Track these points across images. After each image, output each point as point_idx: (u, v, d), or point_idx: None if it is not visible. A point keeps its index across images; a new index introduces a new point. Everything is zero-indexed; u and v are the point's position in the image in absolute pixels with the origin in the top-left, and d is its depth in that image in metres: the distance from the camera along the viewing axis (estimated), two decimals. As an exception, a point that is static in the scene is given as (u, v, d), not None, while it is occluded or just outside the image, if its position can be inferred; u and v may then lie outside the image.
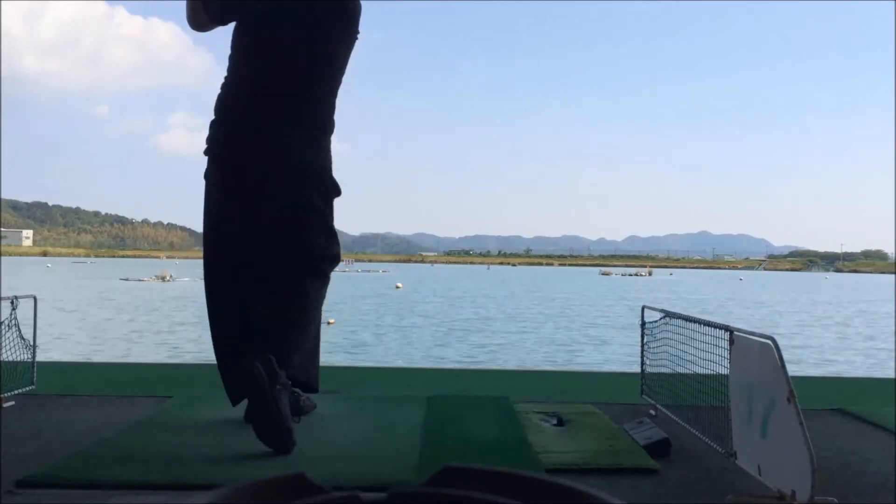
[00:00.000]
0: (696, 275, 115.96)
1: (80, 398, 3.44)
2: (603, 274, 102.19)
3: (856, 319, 26.91)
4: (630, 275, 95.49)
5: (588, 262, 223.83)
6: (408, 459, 2.49)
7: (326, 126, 2.98)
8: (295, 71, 2.88)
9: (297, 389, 3.09)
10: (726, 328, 2.50)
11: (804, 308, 33.47)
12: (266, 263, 2.89)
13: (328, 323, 19.78)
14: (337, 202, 3.07)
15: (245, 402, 2.72)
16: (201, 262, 2.98)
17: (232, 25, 2.96)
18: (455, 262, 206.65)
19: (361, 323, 21.38)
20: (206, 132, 2.91)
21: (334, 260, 3.10)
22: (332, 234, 3.06)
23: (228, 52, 2.96)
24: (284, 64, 2.88)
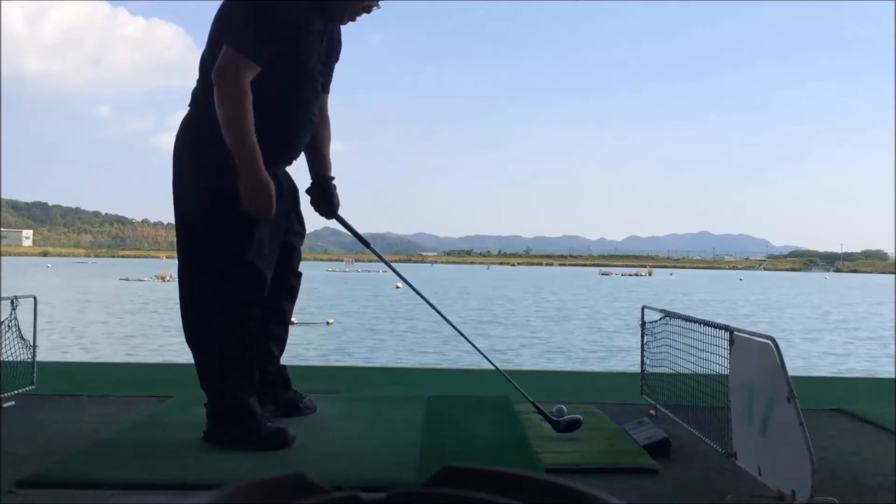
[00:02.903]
0: (698, 275, 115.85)
1: (80, 398, 3.44)
2: (603, 274, 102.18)
3: (870, 321, 26.73)
4: (630, 275, 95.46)
5: (588, 262, 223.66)
6: (408, 459, 2.49)
7: None
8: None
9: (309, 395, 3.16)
10: (726, 328, 2.50)
11: (813, 310, 33.33)
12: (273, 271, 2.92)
13: (328, 323, 19.78)
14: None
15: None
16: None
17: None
18: (455, 262, 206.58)
19: (361, 323, 21.38)
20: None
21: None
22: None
23: None
24: None
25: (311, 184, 3.06)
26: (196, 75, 2.82)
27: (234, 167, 2.60)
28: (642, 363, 3.45)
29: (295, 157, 2.92)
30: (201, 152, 2.68)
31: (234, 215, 2.63)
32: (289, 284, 3.03)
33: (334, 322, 20.01)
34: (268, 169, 2.70)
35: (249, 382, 2.71)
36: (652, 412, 3.21)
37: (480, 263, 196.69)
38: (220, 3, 2.74)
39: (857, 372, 12.57)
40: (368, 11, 2.85)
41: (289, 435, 2.62)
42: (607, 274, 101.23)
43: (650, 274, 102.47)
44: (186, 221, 2.73)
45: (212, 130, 2.64)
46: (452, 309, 27.87)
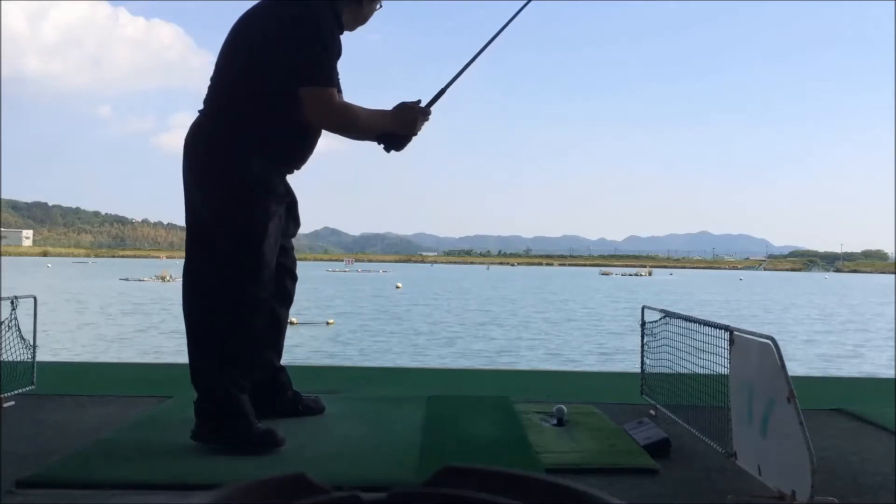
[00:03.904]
0: (698, 275, 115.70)
1: (80, 398, 3.44)
2: (603, 274, 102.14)
3: (873, 322, 26.64)
4: (630, 275, 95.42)
5: (588, 262, 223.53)
6: (408, 459, 2.49)
7: None
8: None
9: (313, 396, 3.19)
10: (726, 328, 2.50)
11: (815, 310, 33.24)
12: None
13: (327, 323, 19.78)
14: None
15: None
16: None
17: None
18: (455, 262, 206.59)
19: (361, 324, 21.36)
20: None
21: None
22: None
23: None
24: None
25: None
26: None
27: (240, 169, 2.68)
28: (642, 363, 3.45)
29: (303, 163, 2.95)
30: (209, 155, 2.72)
31: (241, 216, 2.68)
32: (283, 287, 3.01)
33: (334, 322, 20.01)
34: (279, 176, 2.82)
35: (243, 380, 2.70)
36: (652, 412, 3.21)
37: (480, 263, 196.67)
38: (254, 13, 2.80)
39: (857, 372, 12.57)
40: (371, 13, 3.01)
41: (278, 437, 2.61)
42: (607, 274, 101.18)
43: (650, 274, 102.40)
44: (196, 220, 2.76)
45: (220, 133, 2.70)
46: (453, 309, 27.87)
